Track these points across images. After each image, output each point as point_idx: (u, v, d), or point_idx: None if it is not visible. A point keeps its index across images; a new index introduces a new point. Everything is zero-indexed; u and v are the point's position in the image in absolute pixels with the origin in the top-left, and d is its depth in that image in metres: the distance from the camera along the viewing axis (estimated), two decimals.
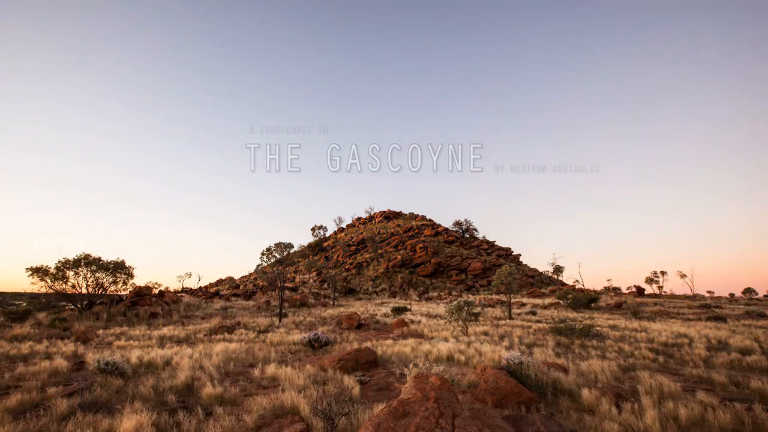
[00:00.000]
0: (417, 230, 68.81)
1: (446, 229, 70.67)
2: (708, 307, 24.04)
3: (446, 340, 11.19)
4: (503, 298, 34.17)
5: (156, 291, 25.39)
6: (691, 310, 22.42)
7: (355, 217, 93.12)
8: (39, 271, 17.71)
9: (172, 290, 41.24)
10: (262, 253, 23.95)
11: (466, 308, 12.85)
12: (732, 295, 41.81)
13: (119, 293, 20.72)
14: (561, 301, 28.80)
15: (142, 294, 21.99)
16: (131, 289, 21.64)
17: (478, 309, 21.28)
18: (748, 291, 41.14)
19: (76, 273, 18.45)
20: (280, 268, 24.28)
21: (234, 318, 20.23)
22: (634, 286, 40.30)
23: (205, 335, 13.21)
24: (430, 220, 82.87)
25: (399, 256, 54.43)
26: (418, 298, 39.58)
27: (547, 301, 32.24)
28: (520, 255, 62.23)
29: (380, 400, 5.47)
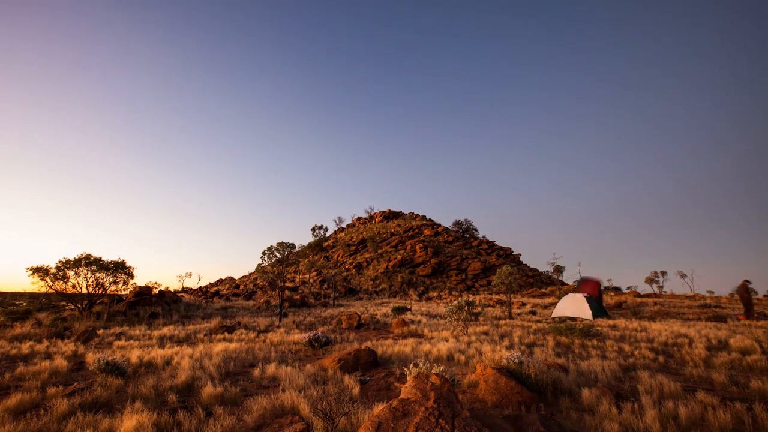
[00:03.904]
0: (417, 230, 68.80)
1: (446, 229, 70.65)
2: (708, 307, 24.02)
3: (446, 340, 11.18)
4: (503, 297, 34.16)
5: (156, 291, 25.38)
6: (691, 310, 22.41)
7: (355, 217, 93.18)
8: (39, 271, 17.69)
9: (172, 290, 41.25)
10: (264, 253, 23.97)
11: (466, 308, 12.84)
12: (732, 294, 41.73)
13: (119, 293, 20.72)
14: None
15: (142, 294, 21.99)
16: (131, 288, 21.63)
17: (479, 309, 21.26)
18: (748, 291, 41.04)
19: (76, 273, 18.44)
20: (280, 267, 24.28)
21: (234, 318, 20.23)
22: (632, 291, 40.14)
23: (205, 335, 13.21)
24: (430, 220, 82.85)
25: (399, 256, 54.41)
26: (418, 298, 39.56)
27: (548, 300, 32.21)
28: (520, 255, 62.20)
29: (380, 400, 5.47)
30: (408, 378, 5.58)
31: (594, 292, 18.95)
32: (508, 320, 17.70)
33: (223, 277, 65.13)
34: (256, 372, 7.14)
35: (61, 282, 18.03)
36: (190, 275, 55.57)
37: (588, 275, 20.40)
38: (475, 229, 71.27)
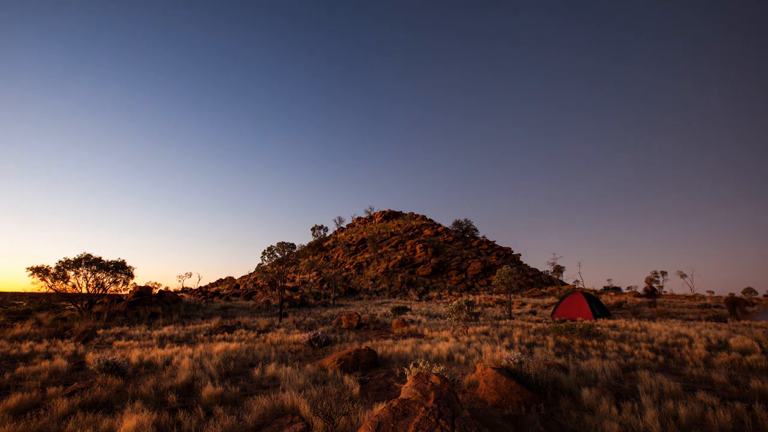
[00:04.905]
0: (417, 230, 68.81)
1: (446, 229, 70.68)
2: (708, 307, 24.02)
3: (446, 339, 11.19)
4: (503, 297, 34.16)
5: (156, 291, 25.38)
6: (691, 310, 22.41)
7: (355, 217, 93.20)
8: (39, 271, 17.70)
9: (172, 290, 41.26)
10: (264, 253, 23.96)
11: (466, 308, 12.84)
12: (732, 294, 41.73)
13: (119, 293, 20.72)
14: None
15: (142, 294, 21.99)
16: (131, 288, 21.63)
17: (479, 309, 21.25)
18: (748, 291, 41.10)
19: (76, 273, 18.44)
20: (280, 267, 24.29)
21: (234, 318, 20.23)
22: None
23: (205, 335, 13.21)
24: (430, 219, 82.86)
25: (399, 256, 54.41)
26: (418, 298, 39.57)
27: (548, 300, 32.22)
28: (520, 255, 62.21)
29: (380, 399, 5.47)
30: (408, 378, 5.58)
31: (583, 305, 18.57)
32: (508, 320, 17.70)
33: (223, 277, 65.14)
34: (256, 372, 7.14)
35: (61, 282, 18.03)
36: (190, 275, 55.67)
37: (580, 288, 20.12)
38: (475, 229, 71.26)
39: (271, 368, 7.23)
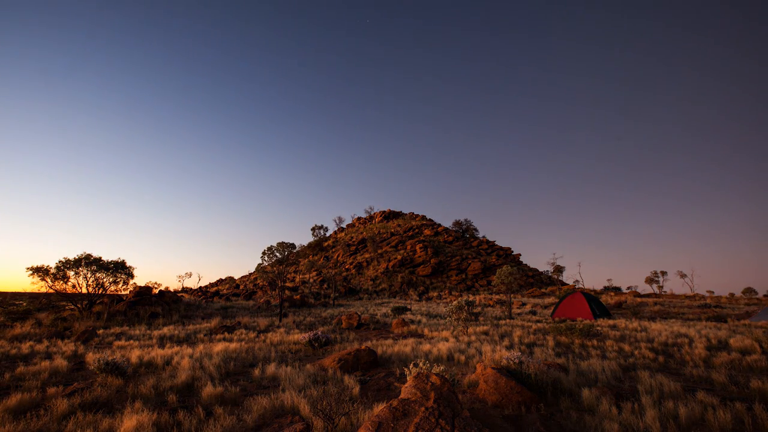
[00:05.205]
0: (417, 230, 68.82)
1: (446, 229, 70.68)
2: (708, 307, 24.01)
3: (446, 339, 11.19)
4: (503, 297, 34.15)
5: (156, 291, 25.38)
6: (691, 310, 22.39)
7: (355, 217, 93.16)
8: (39, 271, 17.70)
9: (172, 290, 41.27)
10: (264, 253, 23.95)
11: (466, 308, 12.85)
12: (732, 294, 41.74)
13: (119, 293, 20.72)
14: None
15: (142, 294, 21.99)
16: (131, 288, 21.64)
17: (479, 309, 21.24)
18: (748, 291, 41.10)
19: (76, 273, 18.45)
20: (280, 267, 24.29)
21: (234, 318, 20.23)
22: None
23: (205, 335, 13.22)
24: (430, 219, 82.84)
25: (399, 256, 54.40)
26: (418, 298, 39.57)
27: (548, 300, 32.22)
28: (520, 255, 62.19)
29: (380, 399, 5.47)
30: (408, 378, 5.57)
31: (583, 305, 18.52)
32: (508, 320, 17.69)
33: (223, 277, 65.12)
34: (256, 372, 7.14)
35: (61, 282, 18.03)
36: (190, 275, 55.64)
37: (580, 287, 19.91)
38: (475, 229, 71.25)
39: (271, 368, 7.23)
